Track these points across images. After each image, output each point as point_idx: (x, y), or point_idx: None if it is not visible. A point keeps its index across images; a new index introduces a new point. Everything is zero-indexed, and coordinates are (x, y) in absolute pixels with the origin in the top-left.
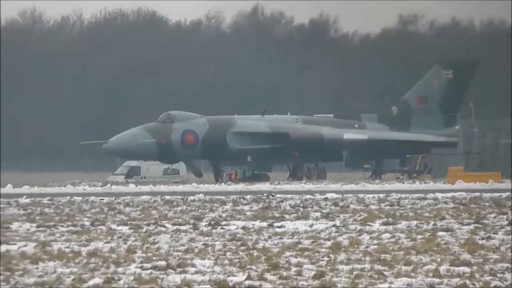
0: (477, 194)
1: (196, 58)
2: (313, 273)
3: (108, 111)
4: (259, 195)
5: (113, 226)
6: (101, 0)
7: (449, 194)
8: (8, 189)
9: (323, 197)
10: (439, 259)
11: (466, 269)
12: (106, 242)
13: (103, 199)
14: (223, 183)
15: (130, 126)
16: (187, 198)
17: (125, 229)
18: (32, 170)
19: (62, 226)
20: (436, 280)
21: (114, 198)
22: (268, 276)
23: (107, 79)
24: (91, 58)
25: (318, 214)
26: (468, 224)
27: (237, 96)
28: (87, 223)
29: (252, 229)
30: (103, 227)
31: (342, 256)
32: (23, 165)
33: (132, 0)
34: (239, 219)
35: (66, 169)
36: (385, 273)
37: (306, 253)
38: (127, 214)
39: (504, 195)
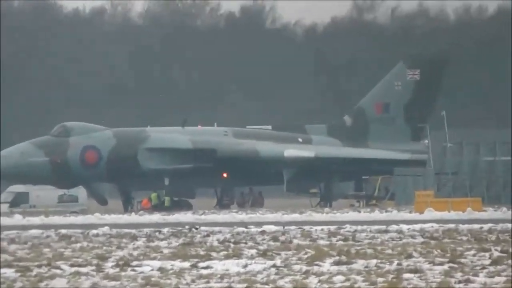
0: (452, 225)
1: (99, 53)
2: None
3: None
4: (180, 228)
5: None
6: None
7: (417, 226)
8: None
9: (259, 229)
10: None
11: None
12: None
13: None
14: (133, 213)
15: (16, 141)
16: (88, 232)
17: (9, 272)
18: None
19: None
20: None
21: None
22: None
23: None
24: None
25: (254, 251)
26: (441, 263)
27: (151, 103)
28: None
29: (171, 271)
30: None
31: None
32: None
33: None
34: (154, 258)
35: None
36: None
37: None
38: (12, 253)
39: (486, 226)
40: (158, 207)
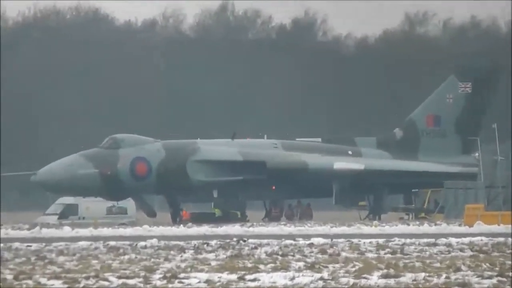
0: (502, 239)
1: (150, 65)
2: None
3: (34, 130)
4: (228, 240)
5: (43, 281)
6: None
7: (466, 239)
8: None
9: (307, 242)
10: None
11: None
12: None
13: (30, 246)
14: (182, 225)
15: (66, 153)
16: (136, 244)
17: (57, 283)
18: None
19: None
20: None
21: (44, 244)
22: None
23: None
24: (15, 61)
25: (301, 264)
26: (490, 277)
27: (201, 115)
28: (9, 277)
29: (218, 283)
30: (30, 282)
31: None
32: None
33: None
34: (202, 271)
35: None
36: None
37: None
38: (60, 264)
39: None
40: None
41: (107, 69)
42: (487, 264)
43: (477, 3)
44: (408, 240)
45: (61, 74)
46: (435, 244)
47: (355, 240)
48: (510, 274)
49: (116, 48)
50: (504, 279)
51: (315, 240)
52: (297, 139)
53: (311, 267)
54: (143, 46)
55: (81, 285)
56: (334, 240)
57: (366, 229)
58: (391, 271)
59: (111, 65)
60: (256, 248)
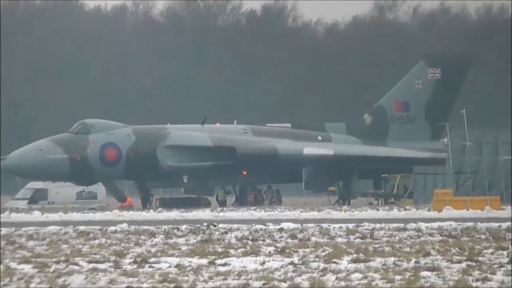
0: (470, 224)
1: (121, 53)
2: None
3: (8, 118)
4: (198, 225)
5: (13, 265)
6: None
7: (435, 224)
8: None
9: (277, 227)
10: None
11: None
12: (4, 285)
13: (0, 230)
14: (152, 210)
15: (36, 138)
16: (106, 229)
17: (28, 268)
18: None
19: None
20: None
21: (14, 229)
22: None
23: (5, 78)
24: None
25: (272, 248)
26: (459, 262)
27: (171, 101)
28: None
29: (188, 268)
30: (0, 266)
31: None
32: None
33: None
34: (172, 255)
35: None
36: None
37: None
38: (30, 249)
39: (504, 225)
40: (223, 204)
41: (78, 55)
42: (456, 248)
43: None
44: (377, 225)
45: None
46: (404, 229)
47: (325, 225)
48: (478, 258)
49: (86, 34)
50: (473, 263)
51: (285, 225)
52: (267, 124)
53: (281, 252)
54: (113, 31)
55: (51, 269)
56: (304, 225)
57: (336, 214)
58: (361, 255)
59: (82, 52)
60: (226, 233)
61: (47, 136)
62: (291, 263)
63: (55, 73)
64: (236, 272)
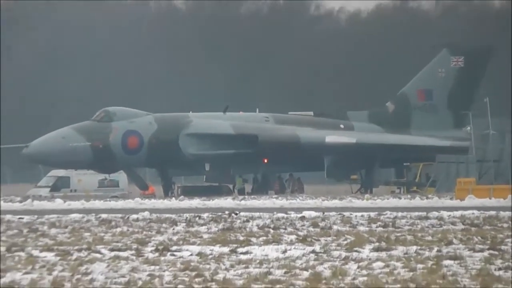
0: (493, 212)
1: (143, 41)
2: None
3: (31, 106)
4: (219, 213)
5: (35, 253)
6: None
7: (458, 213)
8: None
9: (299, 215)
10: None
11: None
12: (26, 273)
13: (22, 218)
14: (173, 198)
15: (58, 126)
16: (128, 217)
17: (50, 256)
18: None
19: None
20: None
21: (36, 216)
22: None
23: (26, 68)
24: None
25: (293, 237)
26: (481, 250)
27: (192, 90)
28: (2, 249)
29: (210, 256)
30: (22, 254)
31: None
32: None
33: None
34: (193, 243)
35: None
36: None
37: (277, 286)
38: (52, 237)
39: None
40: (242, 192)
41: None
42: (479, 237)
43: None
44: (399, 214)
45: (51, 50)
46: (426, 218)
47: (346, 214)
48: (501, 247)
49: (108, 22)
50: (495, 252)
51: (307, 214)
52: (289, 112)
53: (303, 240)
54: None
55: (74, 257)
56: (325, 213)
57: (357, 203)
58: (383, 244)
59: (103, 41)
60: (248, 221)
61: (66, 125)
62: (313, 251)
63: (71, 62)
64: (257, 261)
